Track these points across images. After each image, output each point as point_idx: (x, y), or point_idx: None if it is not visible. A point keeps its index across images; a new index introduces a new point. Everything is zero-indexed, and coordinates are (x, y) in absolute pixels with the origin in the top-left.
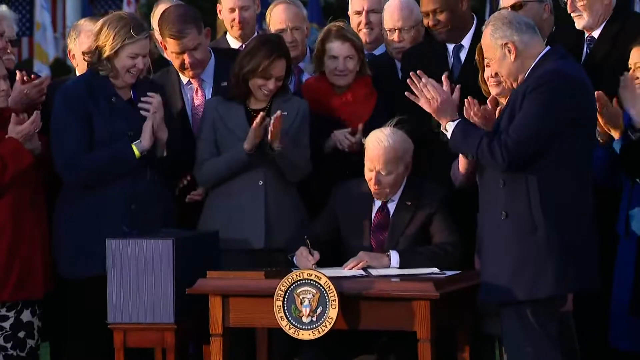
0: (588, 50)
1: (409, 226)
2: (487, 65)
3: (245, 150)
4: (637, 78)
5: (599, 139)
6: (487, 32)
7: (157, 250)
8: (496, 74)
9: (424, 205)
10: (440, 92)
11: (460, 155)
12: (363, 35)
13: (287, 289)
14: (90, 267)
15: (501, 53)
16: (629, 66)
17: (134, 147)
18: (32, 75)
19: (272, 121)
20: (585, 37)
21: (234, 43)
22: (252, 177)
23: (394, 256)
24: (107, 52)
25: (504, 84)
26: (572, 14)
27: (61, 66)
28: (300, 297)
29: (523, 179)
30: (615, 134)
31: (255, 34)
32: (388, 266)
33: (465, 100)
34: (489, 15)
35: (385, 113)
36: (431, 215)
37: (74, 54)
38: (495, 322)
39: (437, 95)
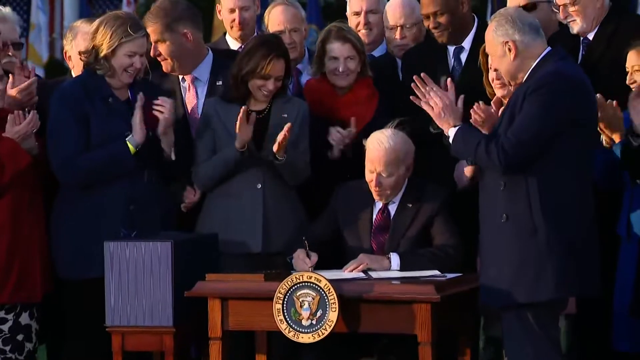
0: (584, 52)
1: (410, 228)
2: (491, 67)
3: (237, 148)
4: (635, 82)
5: (603, 142)
6: (491, 27)
7: (156, 253)
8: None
9: (425, 207)
10: (444, 98)
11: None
12: (362, 36)
13: (287, 292)
14: (88, 269)
15: (501, 50)
16: (627, 69)
17: (128, 143)
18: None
19: (282, 132)
20: (582, 39)
21: (234, 44)
22: (251, 180)
23: (395, 258)
24: (104, 51)
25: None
26: (565, 20)
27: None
28: (300, 300)
29: (523, 181)
30: (616, 137)
31: (255, 34)
32: (388, 269)
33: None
34: (491, 15)
35: (386, 114)
36: (432, 217)
37: (70, 55)
38: (497, 324)
39: (440, 101)
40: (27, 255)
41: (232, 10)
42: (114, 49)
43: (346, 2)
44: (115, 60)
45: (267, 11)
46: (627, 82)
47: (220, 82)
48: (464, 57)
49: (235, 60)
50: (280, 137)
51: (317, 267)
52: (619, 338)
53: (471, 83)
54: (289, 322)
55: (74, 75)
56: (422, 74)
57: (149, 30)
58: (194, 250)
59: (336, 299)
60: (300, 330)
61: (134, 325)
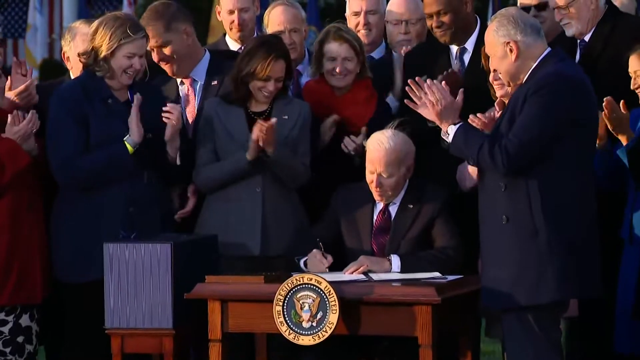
0: (581, 53)
1: (410, 229)
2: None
3: (248, 159)
4: (639, 87)
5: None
6: (492, 27)
7: (156, 255)
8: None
9: (426, 208)
10: (445, 95)
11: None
12: (361, 36)
13: (287, 294)
14: (87, 270)
15: (502, 51)
16: (630, 74)
17: (125, 143)
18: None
19: (264, 128)
20: (578, 41)
21: (233, 45)
22: (250, 183)
23: (395, 260)
24: (103, 52)
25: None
26: (561, 23)
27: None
28: (300, 302)
29: (523, 182)
30: (623, 139)
31: (255, 35)
32: (389, 271)
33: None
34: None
35: (385, 115)
36: (433, 219)
37: (68, 56)
38: (498, 326)
39: (441, 97)
40: (27, 256)
41: (232, 12)
42: (113, 51)
43: (346, 3)
44: (114, 62)
45: (267, 11)
46: (632, 87)
47: (215, 82)
48: (466, 58)
49: (235, 62)
50: (263, 133)
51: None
52: (621, 340)
53: (474, 84)
54: (289, 324)
55: (72, 77)
56: (416, 78)
57: (149, 35)
58: (193, 252)
59: (337, 301)
60: (301, 332)
61: (133, 327)
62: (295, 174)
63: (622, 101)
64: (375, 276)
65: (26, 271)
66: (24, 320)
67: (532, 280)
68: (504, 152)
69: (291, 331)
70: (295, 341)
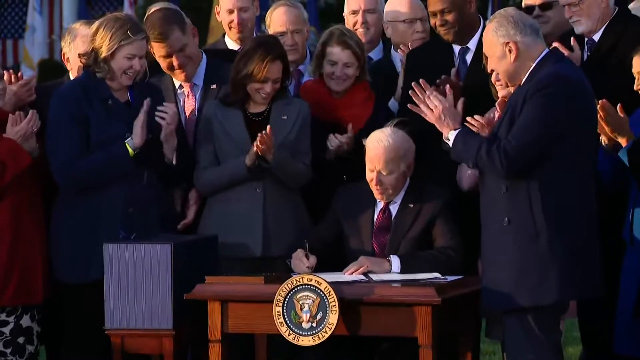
0: (588, 53)
1: (411, 229)
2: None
3: (247, 165)
4: None
5: (603, 145)
6: (490, 27)
7: (155, 255)
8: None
9: (426, 208)
10: (443, 102)
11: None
12: (359, 35)
13: (287, 295)
14: (87, 271)
15: (501, 52)
16: (634, 75)
17: (126, 145)
18: (19, 74)
19: (259, 137)
20: (585, 40)
21: (233, 45)
22: (251, 184)
23: (395, 261)
24: (103, 53)
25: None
26: (570, 20)
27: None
28: (300, 302)
29: (524, 184)
30: (623, 141)
31: (254, 36)
32: (389, 271)
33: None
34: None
35: (383, 117)
36: (434, 219)
37: (68, 57)
38: (499, 327)
39: (439, 104)
40: (28, 256)
41: (231, 11)
42: (114, 52)
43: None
44: (114, 63)
45: (269, 12)
46: (635, 87)
47: (214, 86)
48: (469, 57)
49: (233, 64)
50: (257, 141)
51: (318, 269)
52: (621, 341)
53: (476, 84)
54: (289, 324)
55: (72, 77)
56: (421, 81)
57: (168, 42)
58: (193, 253)
59: (336, 301)
60: (301, 333)
61: (133, 327)
62: (296, 175)
63: (619, 104)
64: (375, 277)
65: (27, 271)
66: (25, 321)
67: (533, 282)
68: (503, 154)
69: (291, 332)
70: (295, 342)
